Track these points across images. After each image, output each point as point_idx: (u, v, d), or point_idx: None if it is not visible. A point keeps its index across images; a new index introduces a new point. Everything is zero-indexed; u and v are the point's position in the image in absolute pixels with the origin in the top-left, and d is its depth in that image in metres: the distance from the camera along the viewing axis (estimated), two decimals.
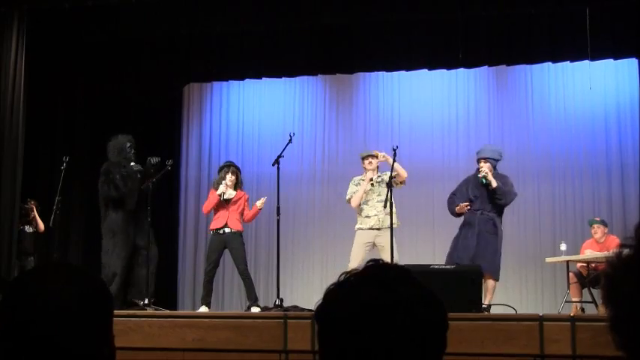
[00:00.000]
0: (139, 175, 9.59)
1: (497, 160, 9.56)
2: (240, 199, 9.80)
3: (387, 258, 9.07)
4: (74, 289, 1.60)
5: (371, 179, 9.65)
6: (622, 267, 1.37)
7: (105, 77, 12.07)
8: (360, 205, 9.69)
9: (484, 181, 9.30)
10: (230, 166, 9.97)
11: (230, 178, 9.76)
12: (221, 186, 9.75)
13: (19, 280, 1.67)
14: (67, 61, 11.81)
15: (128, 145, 9.72)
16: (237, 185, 9.87)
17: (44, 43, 11.14)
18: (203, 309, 9.52)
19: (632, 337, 1.35)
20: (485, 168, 9.38)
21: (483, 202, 9.36)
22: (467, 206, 9.32)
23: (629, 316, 1.35)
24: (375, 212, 9.55)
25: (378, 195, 9.58)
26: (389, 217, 9.23)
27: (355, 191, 9.73)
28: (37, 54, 10.92)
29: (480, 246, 9.17)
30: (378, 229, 9.51)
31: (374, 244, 9.58)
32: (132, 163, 9.67)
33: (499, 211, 9.42)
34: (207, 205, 10.00)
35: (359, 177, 9.91)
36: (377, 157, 9.72)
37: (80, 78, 12.12)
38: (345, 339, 1.45)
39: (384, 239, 9.35)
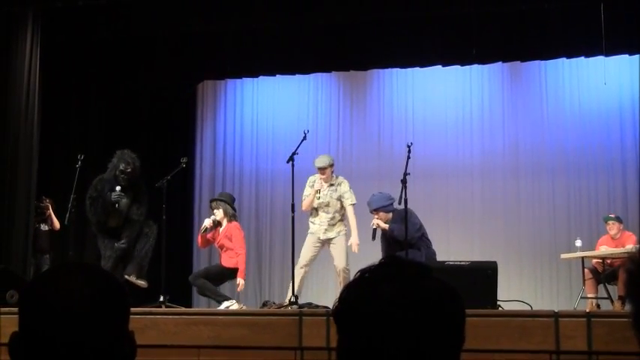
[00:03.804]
0: (117, 206, 9.28)
1: (391, 204, 9.45)
2: (225, 236, 9.64)
3: (340, 260, 9.44)
4: (92, 288, 1.61)
5: (317, 191, 9.65)
6: None
7: (119, 75, 12.10)
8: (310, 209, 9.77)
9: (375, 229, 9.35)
10: (213, 201, 9.96)
11: (216, 213, 9.71)
12: (205, 220, 9.79)
13: (36, 280, 1.68)
14: (82, 59, 11.85)
15: (121, 168, 9.32)
16: (227, 217, 9.70)
17: (58, 41, 11.18)
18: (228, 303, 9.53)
19: None
20: (375, 221, 9.38)
21: (397, 248, 9.27)
22: None
23: None
24: (319, 222, 9.64)
25: (327, 206, 9.64)
26: (335, 227, 9.57)
27: (308, 194, 9.76)
28: (51, 52, 10.97)
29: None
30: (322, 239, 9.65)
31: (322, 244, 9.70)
32: (117, 188, 9.29)
33: (419, 247, 9.35)
34: (198, 240, 10.10)
35: (313, 177, 9.85)
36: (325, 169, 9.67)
37: (94, 76, 12.16)
38: (365, 335, 1.44)
39: (334, 245, 9.60)
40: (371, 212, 9.48)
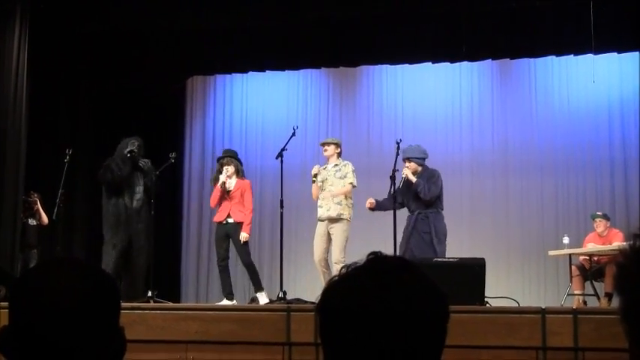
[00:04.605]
0: (128, 155, 9.49)
1: (423, 159, 9.54)
2: (239, 189, 9.76)
3: (335, 248, 9.42)
4: (82, 284, 1.60)
5: (315, 175, 9.70)
6: (635, 257, 1.37)
7: (108, 70, 12.07)
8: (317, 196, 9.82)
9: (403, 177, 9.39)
10: (223, 158, 9.99)
11: (227, 169, 9.77)
12: (221, 176, 9.78)
13: (27, 275, 1.67)
14: (70, 53, 11.80)
15: (131, 141, 9.62)
16: (238, 174, 9.84)
17: (47, 35, 11.13)
18: (224, 302, 9.51)
19: None
20: (406, 170, 9.39)
21: (415, 202, 9.37)
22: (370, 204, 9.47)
23: None
24: (325, 204, 9.64)
25: (331, 185, 9.63)
26: (339, 206, 9.49)
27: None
28: (39, 46, 10.91)
29: (410, 244, 9.19)
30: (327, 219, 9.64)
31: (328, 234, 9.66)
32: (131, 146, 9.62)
33: (434, 207, 9.42)
34: (213, 198, 10.02)
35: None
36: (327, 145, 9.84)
37: (83, 70, 12.12)
38: (346, 331, 1.44)
39: (334, 229, 9.52)
40: (403, 160, 9.48)
